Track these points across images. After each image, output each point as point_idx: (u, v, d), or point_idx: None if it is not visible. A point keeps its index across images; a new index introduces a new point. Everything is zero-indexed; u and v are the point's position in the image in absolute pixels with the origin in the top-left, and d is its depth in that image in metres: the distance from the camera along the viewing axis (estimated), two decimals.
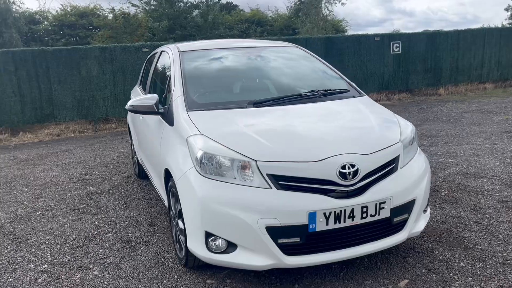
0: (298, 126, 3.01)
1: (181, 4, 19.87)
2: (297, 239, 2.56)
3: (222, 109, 3.19)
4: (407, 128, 3.15)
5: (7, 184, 5.67)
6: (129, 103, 3.49)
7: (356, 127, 3.11)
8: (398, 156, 2.88)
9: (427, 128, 7.90)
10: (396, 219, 2.80)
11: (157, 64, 4.52)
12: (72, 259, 3.34)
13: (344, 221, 2.60)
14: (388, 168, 2.81)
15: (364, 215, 2.64)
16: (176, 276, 2.99)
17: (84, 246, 3.56)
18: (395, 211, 2.76)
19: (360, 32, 17.36)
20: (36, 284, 2.99)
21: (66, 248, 3.55)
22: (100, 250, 3.47)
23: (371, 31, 52.32)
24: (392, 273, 2.91)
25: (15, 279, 3.08)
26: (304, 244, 2.59)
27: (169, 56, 3.97)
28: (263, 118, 3.12)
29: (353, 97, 3.61)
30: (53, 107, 9.85)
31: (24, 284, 3.00)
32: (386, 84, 12.72)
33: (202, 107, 3.22)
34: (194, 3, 20.29)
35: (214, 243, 2.62)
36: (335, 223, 2.58)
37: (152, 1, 20.44)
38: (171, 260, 3.22)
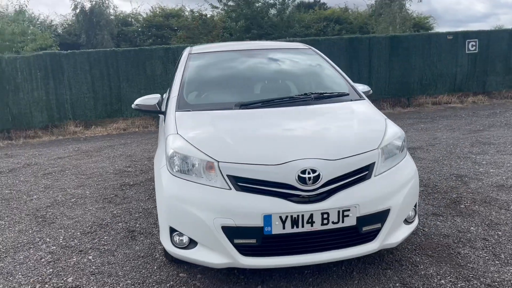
0: (273, 129, 3.02)
1: (259, 3, 20.18)
2: (253, 241, 2.60)
3: (208, 110, 3.30)
4: (394, 135, 3.01)
5: (60, 172, 6.30)
6: (135, 102, 3.73)
7: (333, 132, 3.04)
8: (373, 163, 2.77)
9: (486, 134, 7.29)
10: (365, 228, 2.71)
11: (176, 65, 4.76)
12: (78, 243, 3.67)
13: (303, 226, 2.58)
14: (359, 175, 2.72)
15: (325, 221, 2.59)
16: (155, 267, 3.17)
17: (94, 233, 3.89)
18: (364, 220, 2.67)
19: (460, 29, 16.21)
20: (39, 263, 3.35)
21: (78, 233, 3.91)
22: (105, 237, 3.77)
23: (473, 27, 48.11)
24: (363, 284, 2.81)
25: (25, 257, 3.48)
26: (260, 246, 2.61)
27: (181, 57, 4.17)
28: (241, 120, 3.18)
29: (351, 100, 3.51)
30: (121, 103, 10.65)
31: (29, 262, 3.37)
32: (458, 86, 11.87)
33: (190, 107, 3.35)
34: (271, 2, 20.51)
35: (178, 238, 2.74)
36: (292, 227, 2.57)
37: (230, 2, 20.95)
38: (159, 252, 3.41)
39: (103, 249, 3.54)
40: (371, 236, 2.75)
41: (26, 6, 21.40)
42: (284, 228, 2.57)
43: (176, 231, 2.73)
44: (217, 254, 2.64)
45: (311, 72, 4.03)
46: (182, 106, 3.37)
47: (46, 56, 10.18)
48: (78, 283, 3.00)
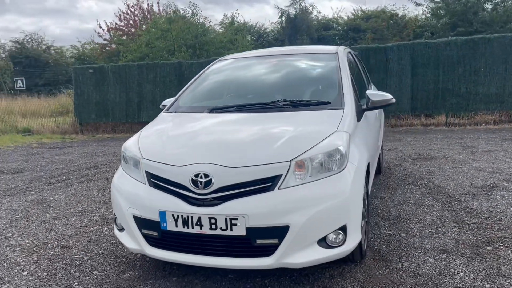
0: (212, 134, 3.09)
1: None
2: (155, 233, 2.79)
3: (186, 113, 3.57)
4: (324, 148, 2.72)
5: None
6: (162, 102, 4.26)
7: (256, 139, 2.90)
8: (279, 176, 2.61)
9: None
10: (259, 241, 2.58)
11: None
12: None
13: (193, 228, 2.64)
14: (260, 185, 2.61)
15: (213, 226, 2.60)
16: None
17: None
18: (256, 232, 2.56)
19: None
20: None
21: None
22: None
23: None
24: None
25: None
26: (161, 239, 2.79)
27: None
28: (196, 123, 3.31)
29: (328, 109, 3.25)
30: None
31: None
32: None
33: (177, 109, 3.68)
34: None
35: (118, 223, 3.17)
36: (183, 227, 2.67)
37: None
38: None
39: None
40: (268, 250, 2.60)
41: (236, 17, 24.51)
42: (176, 226, 2.69)
43: (116, 217, 3.17)
44: (132, 240, 2.94)
45: (314, 78, 3.83)
46: (173, 108, 3.74)
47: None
48: None
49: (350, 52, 4.57)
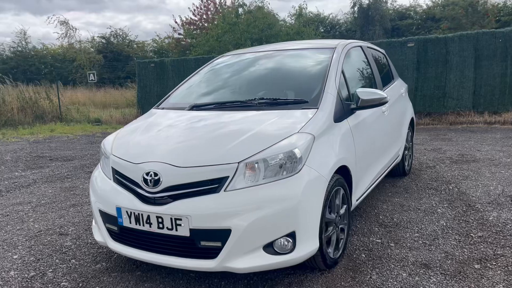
0: (172, 131, 3.08)
1: None
2: (115, 228, 2.88)
3: (171, 109, 3.59)
4: (278, 150, 2.59)
5: None
6: None
7: (214, 139, 2.82)
8: (226, 177, 2.55)
9: None
10: (203, 243, 2.55)
11: None
12: None
13: (143, 225, 2.68)
14: (206, 187, 2.56)
15: (161, 225, 2.61)
16: None
17: None
18: (200, 233, 2.53)
19: None
20: None
21: None
22: None
23: None
24: None
25: None
26: (119, 234, 2.86)
27: None
28: (169, 120, 3.30)
29: (302, 109, 3.09)
30: None
31: None
32: None
33: (164, 106, 3.71)
34: None
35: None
36: (136, 223, 2.71)
37: None
38: None
39: None
40: (212, 253, 2.56)
41: (304, 9, 24.12)
42: (130, 222, 2.74)
43: None
44: (99, 233, 3.04)
45: (301, 75, 3.63)
46: (163, 103, 3.78)
47: None
48: None
49: (360, 47, 4.30)
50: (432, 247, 3.25)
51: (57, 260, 3.31)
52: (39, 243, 3.67)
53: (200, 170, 2.59)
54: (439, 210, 4.06)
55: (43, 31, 54.10)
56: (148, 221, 2.65)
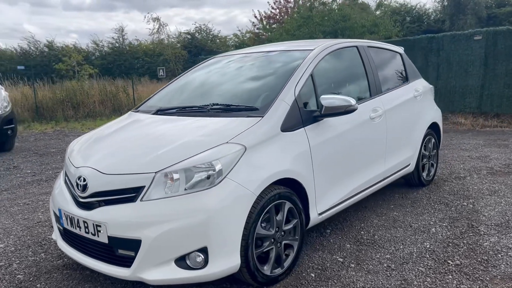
0: (116, 136, 3.13)
1: None
2: (61, 228, 3.01)
3: (141, 113, 3.62)
4: (198, 161, 2.50)
5: None
6: None
7: (144, 147, 2.79)
8: (142, 187, 2.52)
9: None
10: (121, 251, 2.56)
11: None
12: None
13: (75, 228, 2.77)
14: (125, 195, 2.56)
15: (86, 230, 2.67)
16: None
17: None
18: (117, 241, 2.54)
19: None
20: None
21: None
22: None
23: None
24: None
25: None
26: (64, 234, 2.99)
27: None
28: (125, 124, 3.35)
29: (247, 117, 2.93)
30: None
31: None
32: None
33: (141, 109, 3.74)
34: None
35: None
36: (71, 226, 2.81)
37: None
38: None
39: None
40: (128, 262, 2.55)
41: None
42: (67, 224, 2.85)
43: None
44: (54, 231, 3.21)
45: (266, 80, 3.42)
46: (142, 106, 3.83)
47: None
48: None
49: (356, 48, 3.97)
50: (394, 272, 2.93)
51: (30, 253, 3.54)
52: (29, 234, 3.96)
53: (121, 178, 2.60)
54: (433, 229, 3.65)
55: (142, 27, 58.00)
56: (78, 225, 2.73)
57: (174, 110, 3.40)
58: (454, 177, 5.24)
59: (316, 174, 3.09)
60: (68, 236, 2.93)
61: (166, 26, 33.63)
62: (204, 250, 2.45)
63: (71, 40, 54.91)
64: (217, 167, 2.52)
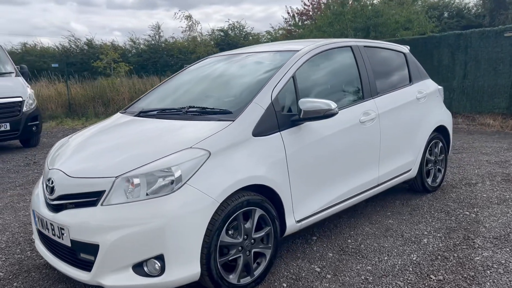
0: (90, 138, 3.13)
1: None
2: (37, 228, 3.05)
3: (123, 114, 3.61)
4: (160, 165, 2.46)
5: None
6: None
7: (110, 150, 2.78)
8: (103, 191, 2.50)
9: None
10: (83, 255, 2.56)
11: None
12: None
13: (45, 230, 2.80)
14: (87, 199, 2.56)
15: (53, 232, 2.70)
16: None
17: None
18: (79, 245, 2.54)
19: None
20: None
21: None
22: None
23: None
24: None
25: None
26: (40, 235, 3.02)
27: None
28: (105, 126, 3.36)
29: (218, 120, 2.85)
30: None
31: None
32: None
33: (128, 110, 3.74)
34: None
35: None
36: (42, 227, 2.84)
37: None
38: None
39: None
40: (89, 266, 2.55)
41: None
42: (39, 225, 2.88)
43: None
44: (33, 232, 3.26)
45: (245, 83, 3.32)
46: (130, 107, 3.82)
47: None
48: None
49: (350, 48, 3.81)
50: (369, 286, 2.80)
51: (18, 250, 3.62)
52: (23, 231, 4.06)
53: (84, 181, 2.60)
54: (425, 240, 3.46)
55: (181, 25, 58.80)
56: (47, 227, 2.75)
57: (155, 112, 3.37)
58: (464, 183, 4.96)
59: (293, 180, 2.99)
60: (42, 237, 2.96)
61: (198, 23, 33.89)
62: (160, 258, 2.41)
63: (114, 38, 56.52)
64: (176, 173, 2.47)
